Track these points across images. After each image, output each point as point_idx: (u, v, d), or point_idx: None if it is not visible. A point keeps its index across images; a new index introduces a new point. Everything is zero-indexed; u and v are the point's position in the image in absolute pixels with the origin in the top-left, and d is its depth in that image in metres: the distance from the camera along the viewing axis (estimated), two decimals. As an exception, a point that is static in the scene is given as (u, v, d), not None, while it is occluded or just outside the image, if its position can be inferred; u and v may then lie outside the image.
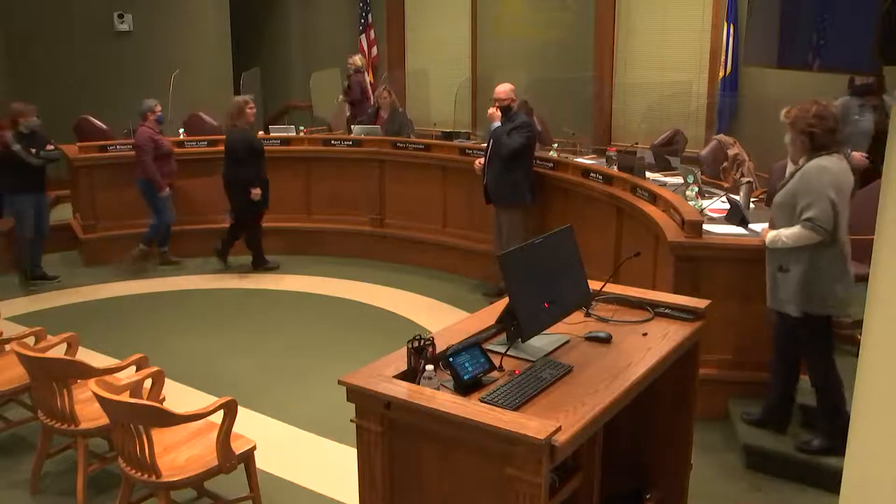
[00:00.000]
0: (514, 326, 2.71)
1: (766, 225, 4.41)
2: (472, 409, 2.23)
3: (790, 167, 3.81)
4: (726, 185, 5.82)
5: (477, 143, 7.16)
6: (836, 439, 3.49)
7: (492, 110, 6.08)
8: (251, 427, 3.91)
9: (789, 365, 3.89)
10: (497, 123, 6.02)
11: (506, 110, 6.07)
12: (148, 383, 3.54)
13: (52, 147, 6.62)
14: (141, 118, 7.04)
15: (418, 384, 2.42)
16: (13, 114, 6.45)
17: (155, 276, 7.04)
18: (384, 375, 2.44)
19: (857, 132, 5.90)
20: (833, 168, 3.56)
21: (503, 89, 6.09)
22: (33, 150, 6.43)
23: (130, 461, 3.07)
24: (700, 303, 3.08)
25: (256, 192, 6.80)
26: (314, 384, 4.86)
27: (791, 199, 3.61)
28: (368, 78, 11.17)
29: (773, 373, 3.97)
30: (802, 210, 3.53)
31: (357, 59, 9.88)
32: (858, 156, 5.67)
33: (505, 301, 2.89)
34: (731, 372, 4.27)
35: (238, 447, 3.22)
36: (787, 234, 3.60)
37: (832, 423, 3.66)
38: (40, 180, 6.60)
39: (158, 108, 7.10)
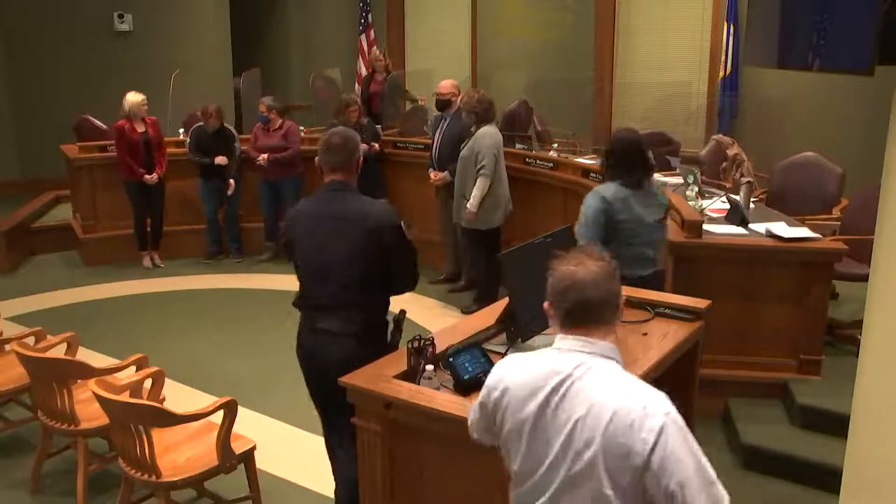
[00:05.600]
0: (514, 326, 2.71)
1: (766, 225, 4.43)
2: (472, 409, 2.22)
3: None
4: (727, 185, 5.81)
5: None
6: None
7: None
8: (251, 427, 3.89)
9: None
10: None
11: (445, 105, 6.20)
12: (148, 383, 3.55)
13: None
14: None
15: (418, 384, 2.42)
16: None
17: (156, 276, 7.04)
18: (384, 375, 2.44)
19: None
20: (493, 132, 5.58)
21: (445, 83, 6.27)
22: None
23: (130, 461, 3.07)
24: (700, 303, 3.08)
25: None
26: (314, 384, 4.85)
27: (471, 154, 5.55)
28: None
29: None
30: (478, 162, 5.47)
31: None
32: None
33: (505, 301, 2.89)
34: (731, 372, 4.26)
35: (238, 447, 3.22)
36: (476, 189, 5.50)
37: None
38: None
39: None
